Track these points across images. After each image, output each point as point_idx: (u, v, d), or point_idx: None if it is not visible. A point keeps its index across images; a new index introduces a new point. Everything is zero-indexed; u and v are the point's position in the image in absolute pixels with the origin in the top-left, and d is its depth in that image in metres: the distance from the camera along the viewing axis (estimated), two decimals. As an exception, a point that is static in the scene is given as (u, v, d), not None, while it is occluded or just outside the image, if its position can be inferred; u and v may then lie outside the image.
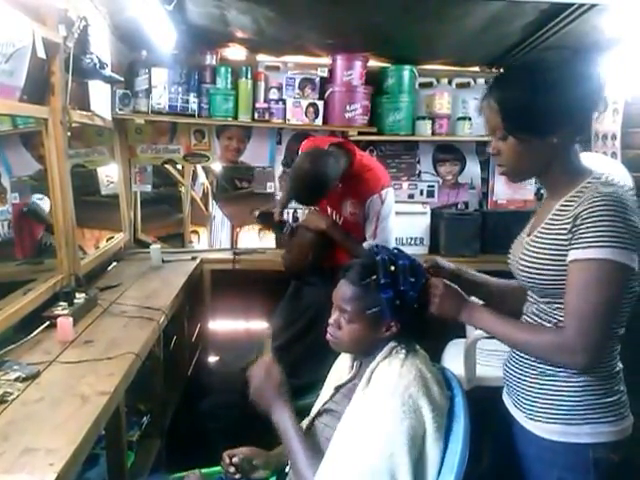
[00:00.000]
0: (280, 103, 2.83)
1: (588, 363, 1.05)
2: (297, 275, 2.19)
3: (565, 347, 1.05)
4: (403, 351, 1.17)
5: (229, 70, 2.79)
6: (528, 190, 3.16)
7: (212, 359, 2.94)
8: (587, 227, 1.02)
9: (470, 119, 2.95)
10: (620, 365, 1.16)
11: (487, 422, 1.30)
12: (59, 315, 1.68)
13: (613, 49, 2.45)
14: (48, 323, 1.67)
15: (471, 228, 2.95)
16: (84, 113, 2.21)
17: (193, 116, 2.76)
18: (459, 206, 3.13)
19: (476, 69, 3.05)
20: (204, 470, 1.43)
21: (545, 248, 1.11)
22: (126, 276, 2.42)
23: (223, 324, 3.11)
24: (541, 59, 1.15)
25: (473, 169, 3.18)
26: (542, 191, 1.26)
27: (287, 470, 1.29)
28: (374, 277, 1.15)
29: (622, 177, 2.16)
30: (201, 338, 3.00)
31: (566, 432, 1.12)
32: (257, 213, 2.38)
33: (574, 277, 1.04)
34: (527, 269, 1.14)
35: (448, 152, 3.16)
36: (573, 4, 2.01)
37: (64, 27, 1.85)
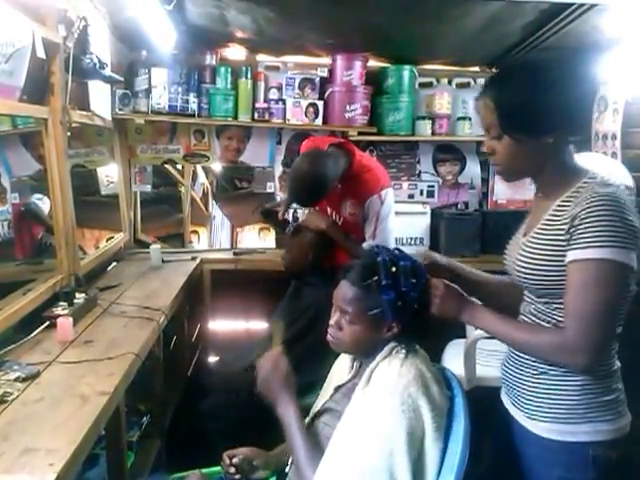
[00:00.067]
0: (280, 103, 2.82)
1: (589, 364, 1.05)
2: (297, 275, 2.19)
3: (566, 347, 1.05)
4: (403, 351, 1.17)
5: (229, 70, 2.79)
6: (528, 190, 3.13)
7: (212, 359, 2.93)
8: (586, 227, 1.02)
9: (470, 119, 2.94)
10: (618, 363, 1.16)
11: (487, 422, 1.30)
12: (59, 315, 1.68)
13: (613, 49, 2.45)
14: (48, 323, 1.67)
15: (471, 228, 2.95)
16: (84, 113, 2.21)
17: (193, 116, 2.76)
18: (459, 206, 3.14)
19: (476, 69, 3.05)
20: (204, 470, 1.43)
21: (542, 249, 1.11)
22: (126, 276, 2.41)
23: (223, 324, 3.11)
24: (538, 59, 1.15)
25: (473, 169, 3.18)
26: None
27: (287, 470, 1.29)
28: (375, 278, 1.15)
29: (622, 177, 2.17)
30: (201, 338, 2.99)
31: (565, 431, 1.12)
32: (260, 209, 2.38)
33: (573, 277, 1.04)
34: (524, 270, 1.15)
35: (448, 152, 3.15)
36: (573, 4, 2.01)
37: (64, 27, 1.85)
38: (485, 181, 3.20)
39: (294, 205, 2.33)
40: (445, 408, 1.14)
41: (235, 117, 2.81)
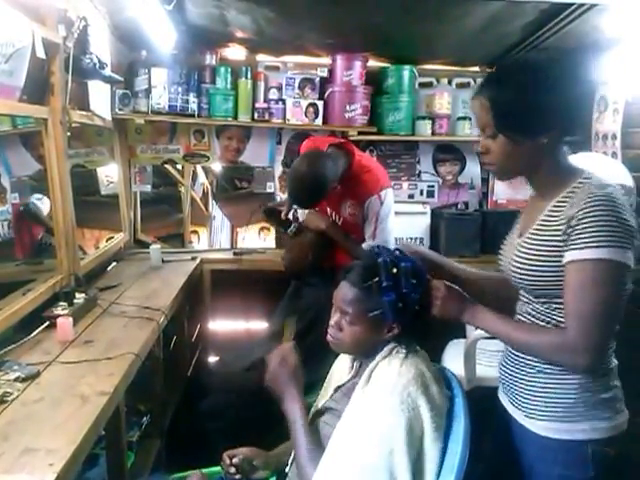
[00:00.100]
0: (280, 103, 2.82)
1: (590, 364, 1.05)
2: (297, 275, 2.19)
3: (567, 348, 1.05)
4: (403, 351, 1.17)
5: (229, 70, 2.79)
6: (528, 190, 3.15)
7: (212, 359, 2.93)
8: (583, 228, 1.02)
9: (470, 119, 2.94)
10: (615, 361, 1.16)
11: (487, 422, 1.30)
12: (59, 315, 1.68)
13: (613, 49, 2.46)
14: (48, 323, 1.67)
15: (471, 228, 2.95)
16: (84, 113, 2.21)
17: (193, 116, 2.76)
18: (459, 206, 3.14)
19: (476, 69, 3.05)
20: (204, 470, 1.43)
21: (539, 249, 1.11)
22: (126, 276, 2.41)
23: (223, 324, 3.10)
24: (534, 59, 1.15)
25: (473, 169, 3.18)
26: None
27: (287, 470, 1.29)
28: (376, 279, 1.15)
29: (620, 177, 2.17)
30: (201, 338, 2.99)
31: (563, 429, 1.13)
32: (263, 208, 2.38)
33: (572, 278, 1.05)
34: (521, 270, 1.15)
35: (448, 152, 3.16)
36: (573, 4, 2.02)
37: (64, 27, 1.85)
38: (485, 181, 3.20)
39: (294, 206, 2.34)
40: (445, 408, 1.14)
41: (235, 117, 2.81)
